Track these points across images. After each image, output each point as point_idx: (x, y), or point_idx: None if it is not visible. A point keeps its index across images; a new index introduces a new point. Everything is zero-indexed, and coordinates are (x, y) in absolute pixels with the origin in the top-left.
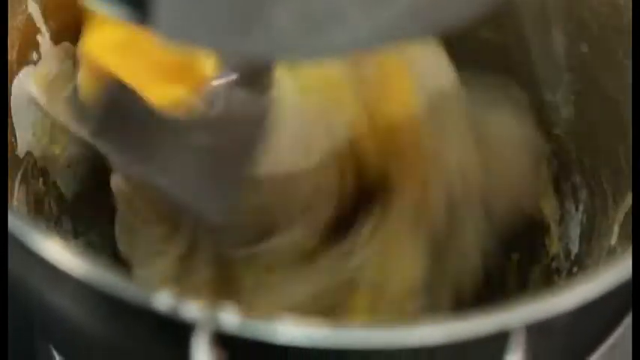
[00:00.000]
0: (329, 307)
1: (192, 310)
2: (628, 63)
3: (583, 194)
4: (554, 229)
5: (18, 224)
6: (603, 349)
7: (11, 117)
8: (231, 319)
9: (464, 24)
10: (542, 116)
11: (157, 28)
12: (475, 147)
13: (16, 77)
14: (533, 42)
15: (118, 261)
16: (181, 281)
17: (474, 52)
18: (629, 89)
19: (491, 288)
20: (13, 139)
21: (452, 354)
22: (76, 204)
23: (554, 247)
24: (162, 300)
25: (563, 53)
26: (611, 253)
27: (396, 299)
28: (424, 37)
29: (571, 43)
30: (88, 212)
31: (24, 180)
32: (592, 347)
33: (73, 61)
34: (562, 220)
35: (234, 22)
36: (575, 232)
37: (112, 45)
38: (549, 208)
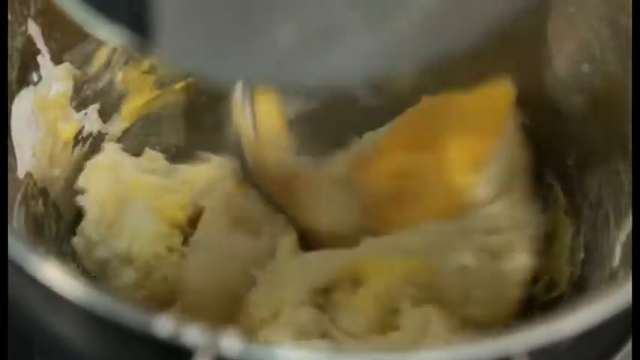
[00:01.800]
0: None
1: (192, 335)
2: (629, 82)
3: (585, 215)
4: (564, 251)
5: (17, 247)
6: None
7: (11, 138)
8: (231, 344)
9: (468, 46)
10: (544, 135)
11: (159, 52)
12: None
13: (17, 98)
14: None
15: None
16: None
17: (477, 75)
18: (630, 108)
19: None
20: (12, 160)
21: None
22: (76, 225)
23: (564, 269)
24: (163, 325)
25: (566, 75)
26: (613, 275)
27: None
28: (430, 58)
29: (573, 65)
30: None
31: (24, 201)
32: None
33: (74, 81)
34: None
35: (238, 45)
36: (578, 254)
37: None
38: (561, 231)
